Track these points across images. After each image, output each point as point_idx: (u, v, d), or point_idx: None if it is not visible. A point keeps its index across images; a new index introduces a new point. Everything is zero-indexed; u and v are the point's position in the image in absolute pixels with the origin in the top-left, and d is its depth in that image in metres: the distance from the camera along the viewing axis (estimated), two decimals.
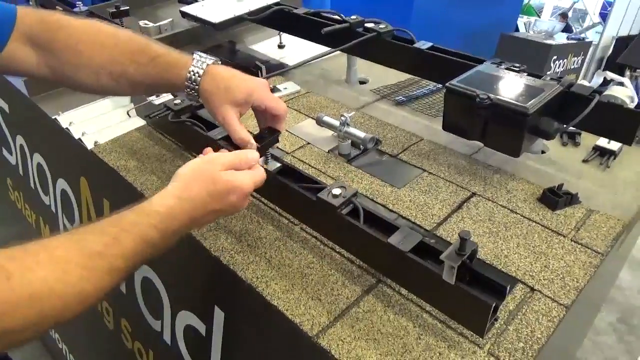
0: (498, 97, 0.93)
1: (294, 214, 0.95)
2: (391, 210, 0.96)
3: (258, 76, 1.34)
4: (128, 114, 1.30)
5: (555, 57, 4.28)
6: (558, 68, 4.36)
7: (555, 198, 0.96)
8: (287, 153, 1.14)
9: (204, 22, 1.56)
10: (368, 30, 1.30)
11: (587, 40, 5.00)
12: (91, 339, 1.62)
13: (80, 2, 1.61)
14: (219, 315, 0.90)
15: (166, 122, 1.13)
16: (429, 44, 1.23)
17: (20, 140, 1.60)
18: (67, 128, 1.27)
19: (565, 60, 4.42)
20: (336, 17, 1.38)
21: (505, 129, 0.95)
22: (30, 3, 1.83)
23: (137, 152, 1.17)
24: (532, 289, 0.79)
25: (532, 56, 4.20)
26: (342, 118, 1.12)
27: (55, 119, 1.31)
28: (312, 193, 0.84)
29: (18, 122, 1.61)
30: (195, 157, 1.13)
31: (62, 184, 1.39)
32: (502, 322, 0.74)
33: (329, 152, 1.15)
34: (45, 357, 2.18)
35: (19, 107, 1.56)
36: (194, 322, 0.97)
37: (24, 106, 1.49)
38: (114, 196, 1.17)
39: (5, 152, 1.76)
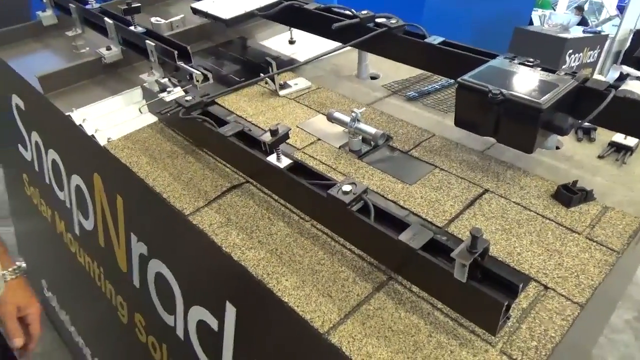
0: (511, 92, 0.92)
1: (305, 210, 0.94)
2: (402, 207, 0.96)
3: (267, 72, 1.34)
4: (140, 111, 1.31)
5: (570, 51, 4.21)
6: (573, 62, 4.28)
7: (569, 195, 0.94)
8: (297, 149, 1.14)
9: (215, 19, 1.56)
10: (379, 25, 1.29)
11: (603, 33, 4.91)
12: (106, 332, 1.64)
13: (92, 0, 1.62)
14: (230, 311, 0.91)
15: (177, 119, 1.14)
16: (441, 39, 1.21)
17: (35, 136, 1.62)
18: (80, 125, 1.29)
19: (581, 54, 4.34)
20: (347, 12, 1.37)
21: (518, 124, 0.94)
22: (45, 1, 1.84)
23: (149, 149, 1.18)
24: (546, 287, 0.78)
25: (546, 50, 4.13)
26: (353, 114, 1.11)
27: (69, 115, 1.32)
28: (323, 190, 0.84)
29: (33, 118, 1.63)
30: (207, 154, 1.14)
31: (76, 179, 1.41)
32: (515, 321, 0.73)
33: (339, 148, 1.14)
34: (62, 349, 2.21)
35: (34, 104, 1.58)
36: (206, 317, 0.98)
37: (39, 103, 1.51)
38: (126, 192, 1.18)
39: (21, 148, 1.79)
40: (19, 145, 1.79)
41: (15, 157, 1.87)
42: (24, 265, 1.09)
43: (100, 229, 1.34)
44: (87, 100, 1.39)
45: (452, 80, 1.35)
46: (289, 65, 1.44)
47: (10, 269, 1.06)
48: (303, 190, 0.88)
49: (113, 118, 1.30)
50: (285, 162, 0.93)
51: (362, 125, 1.12)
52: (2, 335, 1.07)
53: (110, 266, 1.35)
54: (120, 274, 1.29)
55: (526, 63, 1.05)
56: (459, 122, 1.05)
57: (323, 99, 1.35)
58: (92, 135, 1.24)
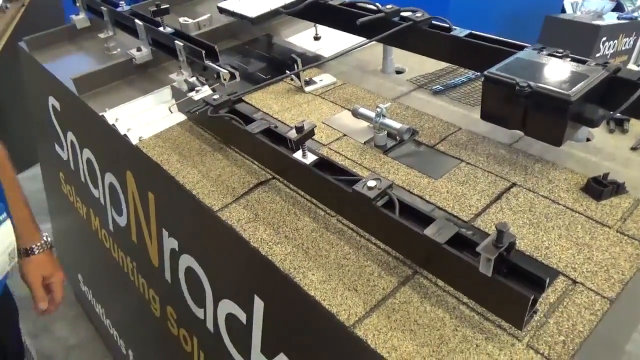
0: (539, 84, 0.91)
1: (331, 205, 0.96)
2: (428, 202, 0.96)
3: (293, 69, 1.35)
4: (170, 110, 1.35)
5: (604, 39, 4.07)
6: (608, 50, 4.14)
7: (600, 188, 0.93)
8: (323, 145, 1.15)
9: (241, 17, 1.58)
10: (404, 19, 1.29)
11: None
12: (139, 325, 1.69)
13: (123, 2, 1.67)
14: (258, 305, 0.93)
15: (206, 117, 1.17)
16: (467, 32, 1.21)
17: (70, 136, 1.69)
18: (113, 124, 1.33)
19: (616, 41, 4.19)
20: (372, 7, 1.37)
21: (546, 117, 0.93)
22: (78, 4, 1.91)
23: (179, 147, 1.21)
24: (574, 282, 0.78)
25: (579, 38, 4.01)
26: (378, 109, 1.11)
27: (103, 115, 1.37)
28: (348, 185, 0.85)
29: (68, 119, 1.70)
30: (234, 151, 1.17)
31: (110, 177, 1.46)
32: (542, 315, 0.73)
33: (365, 143, 1.15)
34: (97, 341, 2.30)
35: (69, 105, 1.65)
36: (234, 310, 1.01)
37: (74, 104, 1.57)
38: (158, 189, 1.22)
39: (57, 148, 1.86)
40: (56, 144, 1.86)
41: (52, 156, 1.95)
42: (50, 239, 1.25)
43: (133, 225, 1.39)
44: (119, 100, 1.44)
45: (479, 73, 1.33)
46: (314, 61, 1.46)
47: (38, 244, 1.21)
48: (328, 185, 0.89)
49: (144, 117, 1.34)
50: (310, 158, 0.95)
51: (387, 120, 1.12)
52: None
53: (142, 261, 1.40)
54: (153, 269, 1.33)
55: (555, 54, 1.03)
56: (485, 116, 1.04)
57: (348, 95, 1.36)
58: (125, 135, 1.28)
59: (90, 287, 2.15)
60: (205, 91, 1.30)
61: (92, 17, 1.90)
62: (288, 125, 1.23)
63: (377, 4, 1.36)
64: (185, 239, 1.16)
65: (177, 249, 1.18)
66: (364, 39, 1.37)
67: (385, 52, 1.45)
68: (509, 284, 0.66)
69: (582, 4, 4.70)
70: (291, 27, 1.84)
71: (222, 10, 1.66)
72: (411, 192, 0.99)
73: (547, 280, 0.65)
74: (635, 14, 4.95)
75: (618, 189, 0.93)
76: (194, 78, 1.36)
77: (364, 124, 1.19)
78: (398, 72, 1.49)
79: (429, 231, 0.75)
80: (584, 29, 4.11)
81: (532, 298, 0.64)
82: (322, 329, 0.81)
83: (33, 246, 1.20)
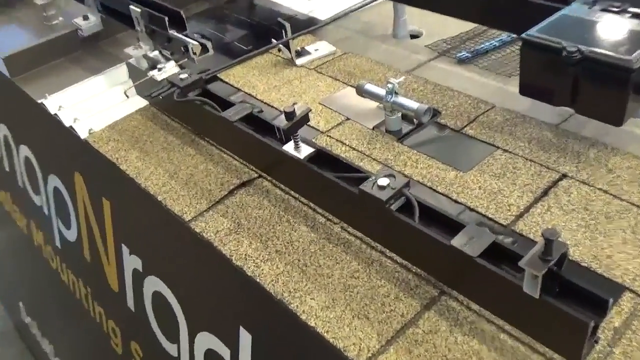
0: (591, 49, 0.90)
1: (332, 210, 0.95)
2: (455, 202, 0.95)
3: (280, 37, 1.34)
4: (126, 94, 1.34)
5: None
6: None
7: None
8: (321, 133, 1.15)
9: None
10: None
11: None
12: None
13: None
14: (245, 338, 0.92)
15: (172, 102, 1.16)
16: None
17: (3, 130, 1.68)
18: (55, 114, 1.32)
19: None
20: None
21: (602, 89, 0.92)
22: None
23: (139, 140, 1.21)
24: None
25: None
26: (389, 85, 1.11)
27: (42, 103, 1.36)
28: (353, 184, 0.84)
29: (0, 108, 1.68)
30: (209, 144, 1.16)
31: (54, 181, 1.45)
32: (606, 344, 0.72)
33: (374, 129, 1.14)
34: None
35: None
36: (216, 345, 1.00)
37: (6, 89, 1.55)
38: (114, 195, 1.21)
39: None
40: None
41: None
42: None
43: (85, 240, 1.38)
44: (63, 83, 1.43)
45: (515, 36, 1.33)
46: (307, 26, 1.45)
47: None
48: (329, 185, 0.88)
49: (94, 104, 1.34)
50: (305, 151, 0.94)
51: (402, 99, 1.11)
52: None
53: (99, 285, 1.39)
54: (112, 295, 1.32)
55: (611, 8, 1.02)
56: (525, 90, 1.03)
57: (351, 67, 1.35)
58: (70, 126, 1.28)
59: (34, 319, 2.15)
60: (170, 69, 1.29)
61: None
62: (276, 109, 1.23)
63: None
64: (151, 257, 1.15)
65: (140, 270, 1.17)
66: None
67: (397, 11, 1.45)
68: (562, 307, 0.65)
69: None
70: None
71: None
72: (434, 190, 0.98)
73: (611, 301, 0.64)
74: None
75: None
76: (156, 52, 1.35)
77: (372, 104, 1.18)
78: (413, 37, 1.48)
79: (457, 241, 0.74)
80: None
81: (592, 324, 0.63)
82: None
83: None
